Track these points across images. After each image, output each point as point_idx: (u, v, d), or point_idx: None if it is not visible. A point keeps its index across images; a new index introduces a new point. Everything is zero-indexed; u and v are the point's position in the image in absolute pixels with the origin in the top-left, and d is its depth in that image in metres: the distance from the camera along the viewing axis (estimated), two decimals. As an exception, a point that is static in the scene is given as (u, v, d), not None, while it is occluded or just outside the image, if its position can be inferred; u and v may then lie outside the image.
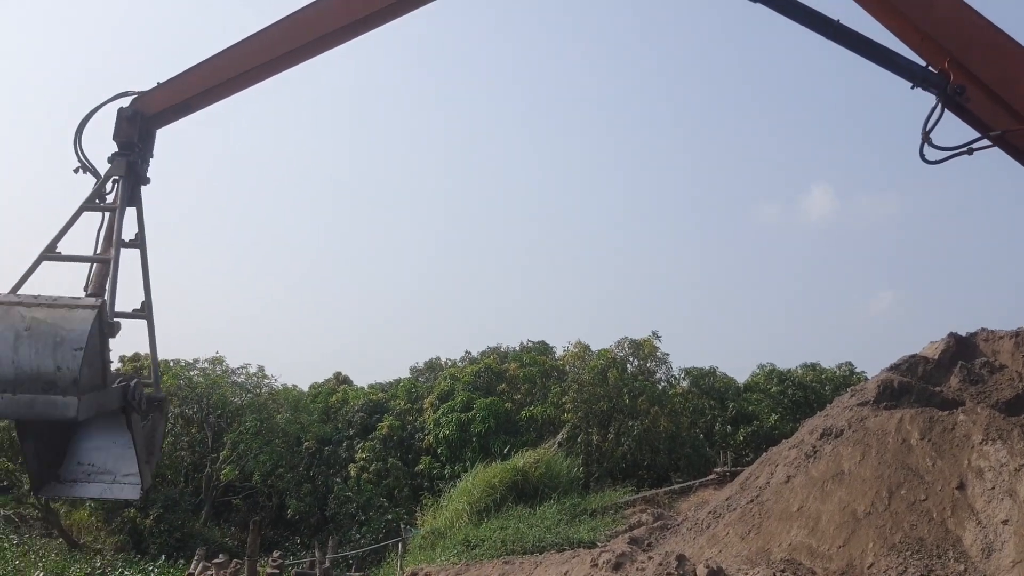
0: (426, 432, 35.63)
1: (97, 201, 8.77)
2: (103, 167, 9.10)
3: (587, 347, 36.80)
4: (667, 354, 37.00)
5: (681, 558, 15.01)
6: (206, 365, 40.12)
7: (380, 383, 47.09)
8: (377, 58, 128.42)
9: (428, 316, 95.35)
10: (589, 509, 23.47)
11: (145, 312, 8.77)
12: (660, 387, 36.21)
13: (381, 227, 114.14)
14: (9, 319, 6.91)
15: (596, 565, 15.08)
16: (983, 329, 20.61)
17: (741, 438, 34.89)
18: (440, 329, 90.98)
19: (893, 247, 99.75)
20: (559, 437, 30.52)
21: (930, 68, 8.58)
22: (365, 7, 9.56)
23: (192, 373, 39.26)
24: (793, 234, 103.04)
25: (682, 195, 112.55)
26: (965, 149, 8.48)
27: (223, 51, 9.76)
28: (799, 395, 38.69)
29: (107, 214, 8.74)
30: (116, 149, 9.18)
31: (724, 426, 36.33)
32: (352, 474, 35.29)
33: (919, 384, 20.06)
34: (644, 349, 35.49)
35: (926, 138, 8.51)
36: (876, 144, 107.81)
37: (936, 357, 20.67)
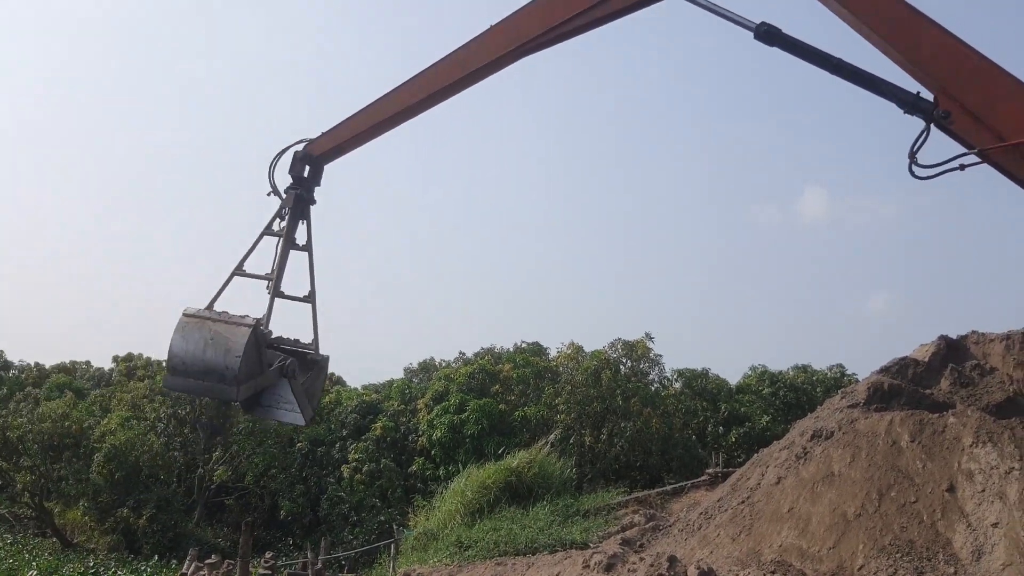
0: (420, 433, 35.69)
1: (275, 226, 12.49)
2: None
3: (580, 348, 36.93)
4: (660, 355, 37.18)
5: (672, 559, 15.12)
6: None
7: (374, 384, 47.19)
8: (359, 49, 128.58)
9: (423, 317, 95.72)
10: (582, 510, 23.55)
11: (310, 299, 12.69)
12: (653, 388, 36.35)
13: (374, 226, 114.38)
14: (203, 330, 11.12)
15: (588, 566, 15.16)
16: (973, 332, 20.77)
17: (733, 439, 35.04)
18: (435, 330, 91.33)
19: (886, 249, 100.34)
20: (552, 438, 30.62)
21: (920, 95, 9.48)
22: (508, 44, 11.49)
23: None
24: (787, 236, 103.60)
25: (677, 197, 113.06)
26: (956, 166, 9.33)
27: (372, 103, 12.56)
28: (791, 397, 38.86)
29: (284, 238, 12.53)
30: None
31: (716, 427, 36.48)
32: (345, 475, 35.33)
33: (909, 387, 20.19)
34: (637, 350, 35.61)
35: (912, 158, 9.51)
36: (869, 147, 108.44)
37: (926, 360, 20.80)
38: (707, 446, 34.84)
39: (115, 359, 54.20)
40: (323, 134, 12.74)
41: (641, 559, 16.47)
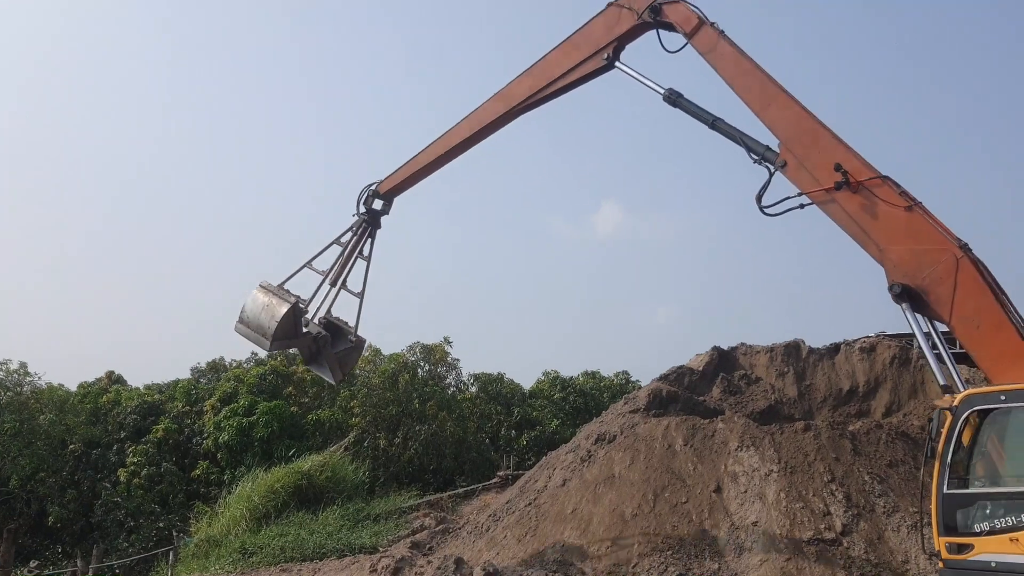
0: (205, 436, 34.16)
1: (342, 239, 17.20)
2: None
3: (378, 351, 36.69)
4: (458, 360, 37.56)
5: (459, 561, 15.32)
6: (-42, 362, 36.57)
7: (157, 384, 44.62)
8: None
9: (213, 314, 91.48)
10: (373, 514, 23.41)
11: (360, 296, 17.50)
12: (450, 392, 36.65)
13: (161, 215, 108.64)
14: (265, 297, 16.34)
15: (375, 571, 15.13)
16: (742, 344, 22.37)
17: (525, 442, 35.86)
18: (226, 328, 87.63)
19: (671, 263, 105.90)
20: (346, 441, 30.23)
21: (769, 148, 11.89)
22: (538, 83, 14.98)
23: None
24: (582, 247, 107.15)
25: (476, 203, 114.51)
26: (797, 204, 11.57)
27: (415, 156, 16.75)
28: (579, 401, 40.27)
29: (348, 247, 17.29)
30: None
31: (509, 431, 37.23)
32: (122, 479, 33.20)
33: (685, 393, 21.52)
34: (436, 354, 35.80)
35: (758, 201, 11.92)
36: (661, 165, 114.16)
37: (701, 368, 22.27)
38: (500, 449, 35.48)
39: (110, 375, 48.66)
40: (386, 177, 17.21)
41: (429, 562, 16.57)
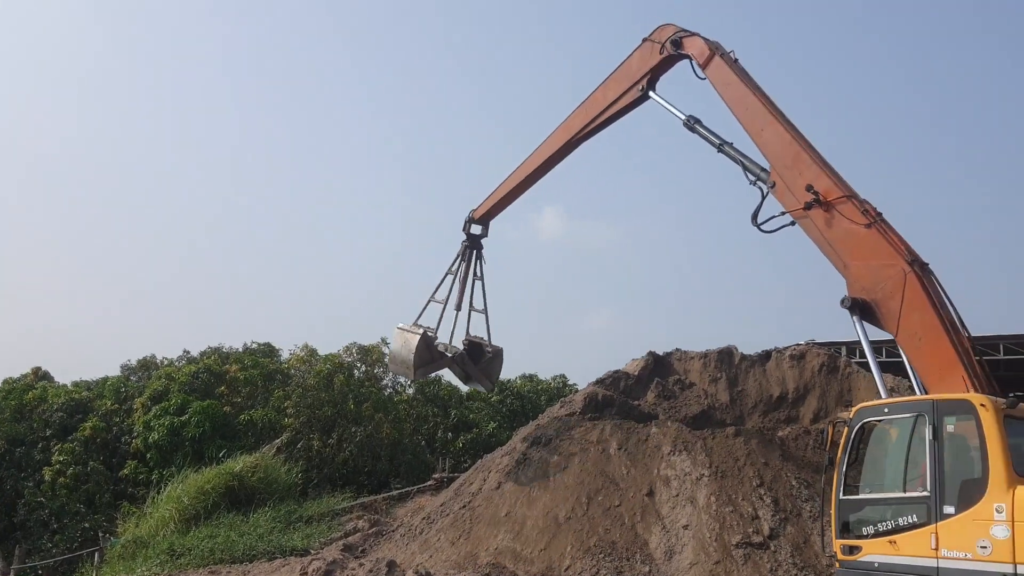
0: (135, 435, 33.41)
1: (453, 268, 19.89)
2: None
3: (314, 351, 36.31)
4: (395, 361, 37.25)
5: (391, 564, 15.27)
6: None
7: (86, 381, 43.60)
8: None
9: (145, 311, 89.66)
10: (305, 516, 23.19)
11: (484, 311, 20.37)
12: (386, 393, 36.40)
13: (96, 207, 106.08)
14: (402, 335, 19.31)
15: (306, 573, 15.01)
16: (677, 349, 22.64)
17: (461, 445, 35.79)
18: (158, 325, 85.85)
19: (610, 269, 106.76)
20: (279, 442, 29.85)
21: (765, 170, 13.02)
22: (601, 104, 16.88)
23: None
24: (525, 252, 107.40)
25: (416, 205, 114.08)
26: (789, 222, 12.59)
27: (501, 183, 19.24)
28: (516, 404, 40.35)
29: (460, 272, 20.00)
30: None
31: (446, 433, 37.12)
32: (47, 478, 32.30)
33: (621, 398, 21.72)
34: (373, 355, 35.52)
35: (754, 220, 13.06)
36: (601, 172, 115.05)
37: (636, 373, 22.50)
38: (436, 451, 35.37)
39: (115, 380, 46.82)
40: (479, 204, 19.75)
41: (361, 565, 16.47)
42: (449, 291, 19.81)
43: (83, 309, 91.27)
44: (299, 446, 30.38)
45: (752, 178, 13.35)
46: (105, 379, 42.44)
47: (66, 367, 51.62)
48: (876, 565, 9.18)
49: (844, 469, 9.84)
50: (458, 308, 19.88)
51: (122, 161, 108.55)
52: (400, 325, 19.53)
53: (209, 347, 42.25)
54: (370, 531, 20.96)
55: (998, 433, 8.51)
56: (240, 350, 41.87)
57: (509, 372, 49.85)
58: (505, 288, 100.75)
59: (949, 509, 8.64)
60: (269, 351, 41.40)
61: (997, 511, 8.24)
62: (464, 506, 19.18)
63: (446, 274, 19.81)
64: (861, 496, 9.73)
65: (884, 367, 24.16)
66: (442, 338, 20.00)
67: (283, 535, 21.06)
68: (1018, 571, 7.92)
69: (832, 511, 10.05)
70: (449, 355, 19.83)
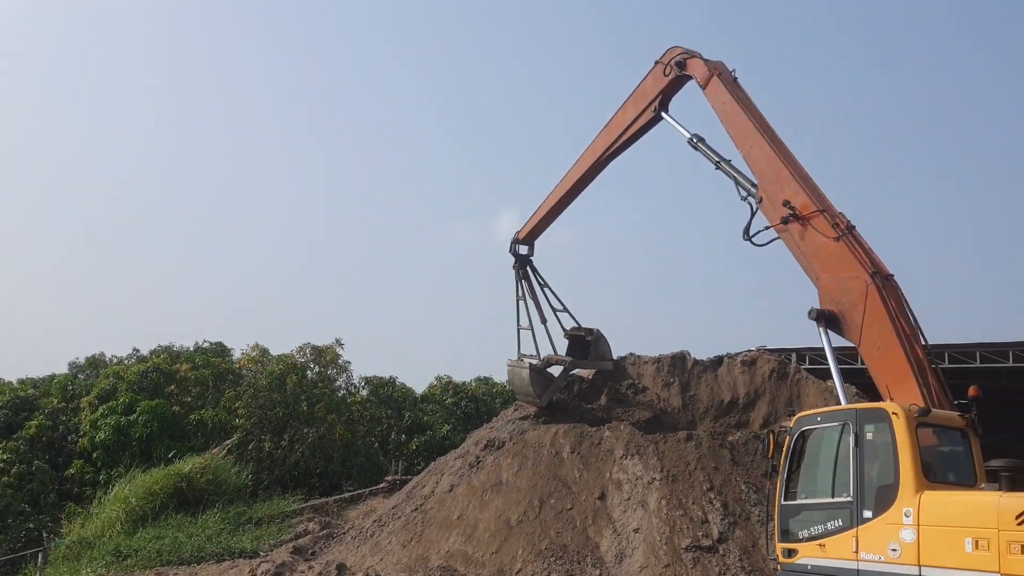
0: (81, 434, 32.85)
1: (519, 292, 21.44)
2: None
3: (267, 351, 35.97)
4: (349, 362, 37.16)
5: (341, 567, 15.21)
6: None
7: (32, 378, 42.75)
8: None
9: (95, 308, 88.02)
10: (255, 518, 23.01)
11: (566, 310, 21.84)
12: (340, 395, 36.19)
13: (42, 201, 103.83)
14: (517, 371, 20.63)
15: (255, 575, 14.85)
16: (631, 354, 22.75)
17: (414, 447, 35.65)
18: (107, 323, 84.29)
19: (568, 272, 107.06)
20: (229, 443, 29.51)
21: (755, 186, 13.57)
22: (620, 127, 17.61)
23: None
24: (481, 254, 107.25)
25: (374, 206, 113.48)
26: (776, 237, 13.10)
27: (548, 194, 20.17)
28: (471, 407, 40.29)
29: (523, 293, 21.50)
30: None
31: (399, 435, 36.98)
32: (-10, 477, 31.64)
33: (575, 401, 21.81)
34: (326, 356, 35.31)
35: (746, 234, 13.69)
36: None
37: (591, 377, 22.58)
38: (389, 454, 35.23)
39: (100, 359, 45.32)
40: (522, 226, 21.20)
41: (310, 567, 16.37)
42: (528, 313, 21.41)
43: (30, 305, 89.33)
44: (250, 447, 30.09)
45: (743, 193, 13.93)
46: (52, 377, 41.68)
47: (11, 364, 50.52)
48: (809, 568, 9.56)
49: (785, 476, 10.22)
50: (543, 322, 21.44)
51: (69, 155, 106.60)
52: (508, 362, 21.16)
53: (160, 346, 41.66)
54: (321, 533, 20.82)
55: (909, 440, 8.85)
56: (191, 349, 41.33)
57: (465, 375, 49.93)
58: (461, 290, 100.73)
59: (868, 514, 9.00)
60: (221, 351, 40.91)
61: (905, 515, 8.58)
62: (416, 509, 19.12)
63: (517, 301, 21.41)
64: (798, 502, 10.07)
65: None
66: (546, 350, 21.48)
67: (232, 537, 20.88)
68: (923, 573, 8.21)
69: (775, 516, 10.44)
70: (563, 367, 20.91)
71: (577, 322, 21.85)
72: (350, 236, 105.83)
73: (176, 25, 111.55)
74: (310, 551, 19.21)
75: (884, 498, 8.89)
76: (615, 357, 22.26)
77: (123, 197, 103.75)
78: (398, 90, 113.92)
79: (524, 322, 21.33)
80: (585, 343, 21.71)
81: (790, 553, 9.92)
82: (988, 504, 8.03)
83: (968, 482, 8.73)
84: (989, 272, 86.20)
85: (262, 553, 19.36)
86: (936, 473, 9.10)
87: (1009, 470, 8.28)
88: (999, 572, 7.57)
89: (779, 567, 10.19)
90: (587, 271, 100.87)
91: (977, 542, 7.84)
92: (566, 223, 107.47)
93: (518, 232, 21.36)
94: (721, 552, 14.84)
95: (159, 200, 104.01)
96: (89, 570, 19.04)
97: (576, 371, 21.60)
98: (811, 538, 9.63)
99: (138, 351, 42.29)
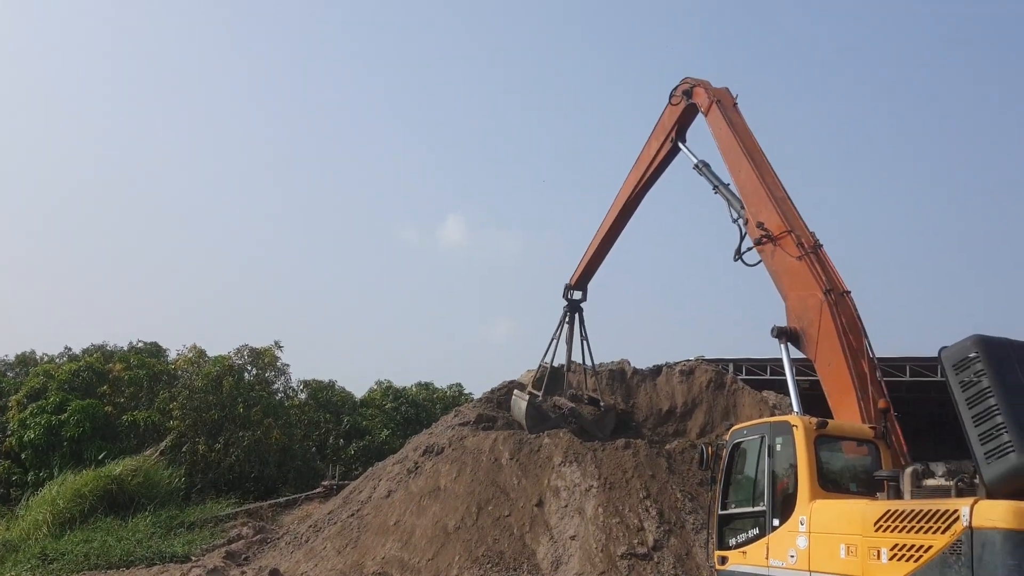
0: (9, 433, 31.95)
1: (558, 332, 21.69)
2: None
3: (203, 352, 35.34)
4: (287, 365, 36.67)
5: (275, 572, 15.04)
6: None
7: (-44, 377, 41.44)
8: None
9: (25, 304, 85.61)
10: (187, 522, 22.65)
11: (604, 407, 22.01)
12: (277, 398, 35.72)
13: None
14: (518, 401, 21.35)
15: (185, 580, 14.60)
16: (572, 361, 22.91)
17: (353, 452, 35.40)
18: (38, 320, 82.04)
19: (513, 279, 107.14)
20: (163, 445, 28.92)
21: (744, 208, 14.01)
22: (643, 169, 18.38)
23: None
24: (426, 259, 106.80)
25: (315, 206, 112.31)
26: (759, 261, 13.45)
27: (592, 237, 20.45)
28: (411, 412, 40.16)
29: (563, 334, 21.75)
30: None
31: (338, 440, 36.67)
32: (-88, 477, 30.62)
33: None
34: (264, 358, 34.81)
35: (738, 254, 14.09)
36: (502, 185, 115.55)
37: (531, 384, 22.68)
38: (326, 458, 34.90)
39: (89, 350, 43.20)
40: (572, 274, 21.37)
41: (243, 572, 16.18)
42: (554, 353, 21.76)
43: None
44: (184, 449, 29.55)
45: (735, 215, 14.42)
46: (-22, 375, 40.48)
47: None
48: (736, 574, 9.96)
49: (721, 486, 10.63)
50: (568, 369, 22.12)
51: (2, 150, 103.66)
52: (516, 392, 21.90)
53: (93, 344, 40.65)
54: (254, 538, 20.56)
55: (806, 451, 9.22)
56: (125, 349, 40.45)
57: (406, 380, 49.73)
58: (405, 294, 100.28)
59: (776, 522, 9.36)
60: (156, 351, 40.09)
61: (801, 523, 8.94)
62: (352, 514, 18.99)
63: (551, 339, 21.69)
64: (730, 511, 10.48)
65: (768, 385, 25.06)
66: (555, 385, 22.02)
67: (163, 541, 20.52)
68: None
69: (713, 525, 10.87)
70: (563, 411, 21.30)
71: (600, 388, 22.47)
72: (292, 238, 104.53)
73: (124, 14, 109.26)
74: (243, 556, 18.95)
75: (787, 507, 9.26)
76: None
77: (55, 193, 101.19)
78: (345, 91, 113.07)
79: (549, 359, 21.83)
80: (597, 406, 22.08)
81: (723, 560, 10.29)
82: (856, 511, 8.36)
83: (870, 492, 9.02)
84: (920, 286, 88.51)
85: (194, 558, 19.05)
86: (838, 483, 9.53)
87: (894, 479, 8.56)
88: None
89: (715, 574, 10.61)
90: (530, 279, 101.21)
91: (848, 548, 8.18)
92: (507, 228, 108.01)
93: (570, 278, 21.55)
94: (656, 559, 15.02)
95: (94, 196, 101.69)
96: (13, 574, 18.53)
97: (564, 423, 21.60)
98: (738, 545, 10.01)
99: (70, 350, 41.24)
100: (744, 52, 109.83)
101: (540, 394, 21.14)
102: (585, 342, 21.87)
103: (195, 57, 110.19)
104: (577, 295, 21.67)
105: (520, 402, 21.15)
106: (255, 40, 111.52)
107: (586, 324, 21.83)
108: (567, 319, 21.68)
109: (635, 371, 23.74)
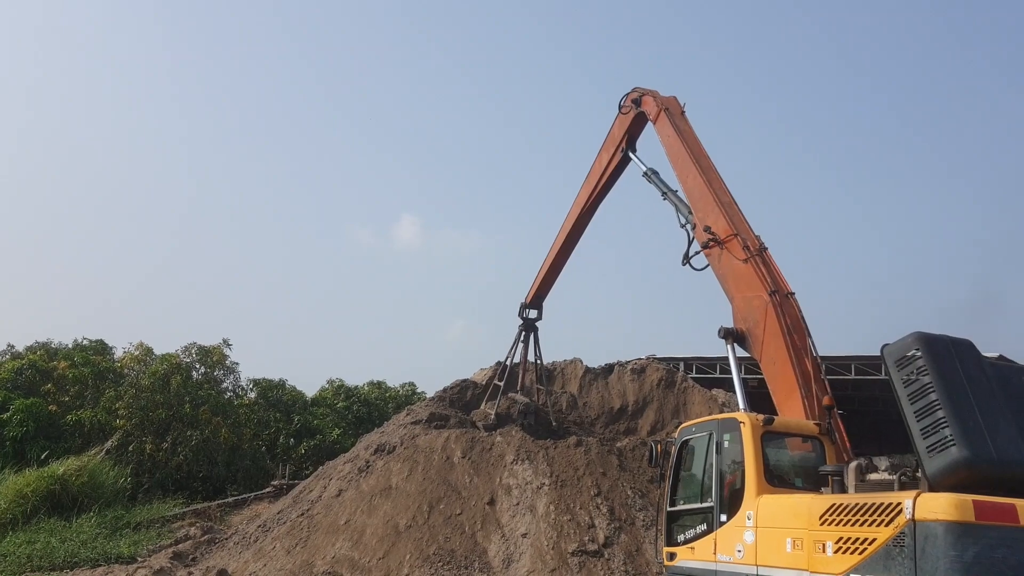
0: (-52, 432, 31.17)
1: (520, 345, 21.77)
2: None
3: (150, 350, 34.73)
4: (237, 363, 36.22)
5: (222, 573, 14.87)
6: None
7: None
8: None
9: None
10: (133, 522, 22.28)
11: (543, 387, 22.63)
12: (226, 397, 35.25)
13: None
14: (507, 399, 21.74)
15: (131, 582, 14.37)
16: (525, 360, 23.02)
17: (303, 451, 35.07)
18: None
19: (467, 279, 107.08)
20: (108, 444, 28.39)
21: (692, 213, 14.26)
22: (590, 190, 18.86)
23: None
24: (380, 258, 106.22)
25: (270, 203, 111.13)
26: (707, 265, 13.64)
27: (546, 255, 20.67)
28: (363, 411, 39.94)
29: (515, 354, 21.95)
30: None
31: (288, 439, 36.29)
32: None
33: (468, 406, 21.93)
34: (213, 356, 34.32)
35: (686, 259, 14.29)
36: (458, 185, 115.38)
37: (484, 383, 22.76)
38: (276, 458, 34.53)
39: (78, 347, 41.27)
40: (528, 292, 21.28)
41: (190, 573, 15.97)
42: (507, 372, 21.82)
43: None
44: (130, 449, 29.03)
45: (683, 221, 14.66)
46: (-87, 374, 39.36)
47: None
48: (684, 570, 10.12)
49: (670, 483, 10.80)
50: (520, 389, 22.02)
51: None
52: (477, 413, 21.86)
53: (36, 342, 39.81)
54: (202, 539, 20.29)
55: (753, 447, 9.42)
56: (70, 347, 39.66)
57: (358, 378, 49.44)
58: (357, 293, 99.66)
59: (723, 517, 9.54)
60: (102, 348, 39.35)
61: (748, 518, 9.13)
62: (302, 514, 18.85)
63: (508, 359, 21.91)
64: (679, 508, 10.63)
65: (718, 383, 25.37)
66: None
67: (108, 542, 20.14)
68: (760, 572, 8.71)
69: (662, 522, 11.03)
70: (520, 406, 21.40)
71: (548, 403, 22.56)
72: (243, 235, 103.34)
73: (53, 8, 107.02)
74: (191, 557, 18.69)
75: (734, 502, 9.43)
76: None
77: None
78: (298, 87, 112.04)
79: (503, 379, 21.74)
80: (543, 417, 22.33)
81: (672, 556, 10.44)
82: (802, 505, 8.52)
83: (815, 487, 9.22)
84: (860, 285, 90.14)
85: (140, 559, 18.73)
86: (784, 478, 9.75)
87: (838, 474, 8.75)
88: (808, 570, 8.02)
89: (664, 570, 10.77)
90: (484, 279, 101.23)
91: (794, 542, 8.33)
92: (460, 228, 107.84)
93: (526, 296, 21.44)
94: (606, 556, 15.14)
95: (36, 190, 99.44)
96: (-49, 577, 18.09)
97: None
98: (686, 541, 10.16)
99: (13, 347, 40.31)
100: (707, 53, 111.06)
101: (493, 415, 21.13)
102: (539, 361, 22.03)
103: (142, 50, 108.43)
104: (532, 314, 21.61)
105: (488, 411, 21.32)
106: (201, 34, 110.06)
107: (539, 345, 21.95)
108: (522, 338, 21.65)
109: (587, 369, 23.90)
